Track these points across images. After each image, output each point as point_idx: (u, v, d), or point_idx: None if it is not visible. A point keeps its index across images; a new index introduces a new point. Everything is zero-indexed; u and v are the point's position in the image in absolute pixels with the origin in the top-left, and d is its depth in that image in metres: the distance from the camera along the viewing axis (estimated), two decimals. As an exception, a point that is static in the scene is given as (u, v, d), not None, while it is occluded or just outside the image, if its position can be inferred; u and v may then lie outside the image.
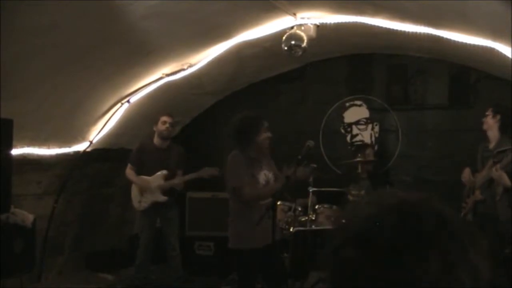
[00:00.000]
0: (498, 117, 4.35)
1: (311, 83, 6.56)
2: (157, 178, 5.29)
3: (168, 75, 5.48)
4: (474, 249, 0.76)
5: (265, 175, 4.01)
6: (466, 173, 4.61)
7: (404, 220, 0.77)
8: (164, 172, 5.29)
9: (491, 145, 4.38)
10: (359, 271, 0.76)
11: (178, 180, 5.32)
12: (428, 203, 0.80)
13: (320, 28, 4.67)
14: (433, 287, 0.72)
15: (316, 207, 4.96)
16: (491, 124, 4.40)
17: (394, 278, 0.73)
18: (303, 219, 5.08)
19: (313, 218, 4.99)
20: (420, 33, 4.46)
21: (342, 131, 6.39)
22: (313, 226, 4.43)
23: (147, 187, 5.28)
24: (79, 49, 4.28)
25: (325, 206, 5.10)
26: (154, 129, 5.37)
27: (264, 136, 4.02)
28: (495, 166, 4.06)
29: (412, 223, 0.76)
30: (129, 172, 5.38)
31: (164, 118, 5.31)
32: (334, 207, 5.02)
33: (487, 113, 4.45)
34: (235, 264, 5.70)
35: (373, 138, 6.24)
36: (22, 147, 4.84)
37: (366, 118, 6.28)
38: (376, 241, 0.76)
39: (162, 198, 5.27)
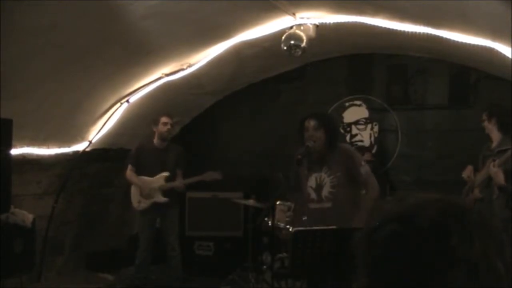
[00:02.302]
0: (494, 119, 4.37)
1: (311, 83, 6.55)
2: (158, 179, 5.30)
3: (167, 75, 5.48)
4: (506, 247, 0.78)
5: (319, 178, 3.87)
6: (468, 171, 4.61)
7: (448, 207, 0.79)
8: (165, 173, 5.29)
9: (493, 145, 4.39)
10: (399, 245, 0.76)
11: (180, 183, 5.32)
12: (467, 203, 0.83)
13: (320, 28, 4.67)
14: (473, 268, 0.73)
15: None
16: (490, 128, 4.41)
17: (437, 251, 0.73)
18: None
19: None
20: (420, 33, 4.46)
21: (342, 131, 6.38)
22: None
23: (148, 188, 5.28)
24: (79, 49, 4.28)
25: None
26: (154, 129, 5.36)
27: (306, 136, 3.88)
28: (493, 163, 4.07)
29: (456, 211, 0.78)
30: (130, 173, 5.38)
31: (164, 120, 5.29)
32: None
33: (483, 118, 4.46)
34: (235, 264, 5.75)
35: (373, 138, 6.24)
36: (22, 147, 4.84)
37: (365, 118, 6.28)
38: (420, 219, 0.76)
39: (162, 199, 5.27)
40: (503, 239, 0.78)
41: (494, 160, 4.12)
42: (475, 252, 0.74)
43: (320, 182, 3.89)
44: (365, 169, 3.84)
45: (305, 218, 4.07)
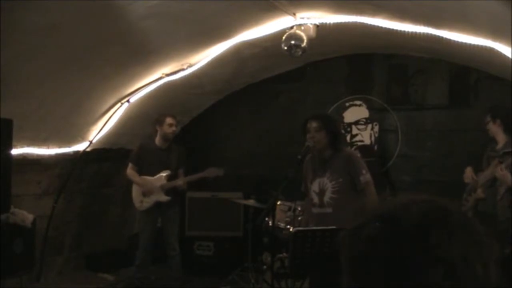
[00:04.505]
0: (499, 121, 4.34)
1: (311, 83, 6.56)
2: (160, 178, 5.30)
3: (168, 75, 5.48)
4: (487, 250, 0.79)
5: (322, 183, 3.88)
6: (468, 173, 4.60)
7: (431, 208, 0.80)
8: (167, 172, 5.29)
9: (499, 146, 4.37)
10: (381, 243, 0.77)
11: (181, 181, 5.32)
12: (454, 205, 0.84)
13: (320, 28, 4.67)
14: (451, 268, 0.74)
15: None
16: (495, 130, 4.38)
17: (417, 250, 0.75)
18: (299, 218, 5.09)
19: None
20: (420, 33, 4.46)
21: (342, 131, 6.38)
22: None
23: (150, 187, 5.28)
24: (79, 49, 4.28)
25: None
26: (158, 129, 5.35)
27: (308, 137, 3.87)
28: (500, 166, 4.04)
29: (439, 212, 0.80)
30: (131, 172, 5.38)
31: (170, 121, 5.29)
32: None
33: (487, 120, 4.43)
34: (235, 264, 5.76)
35: (373, 138, 6.23)
36: (22, 147, 4.84)
37: (365, 118, 6.27)
38: (402, 219, 0.78)
39: (165, 198, 5.27)
40: (485, 242, 0.79)
41: (500, 162, 4.09)
42: (454, 253, 0.75)
43: (322, 187, 3.89)
44: (365, 178, 3.83)
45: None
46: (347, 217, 3.66)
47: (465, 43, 4.30)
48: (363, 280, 0.79)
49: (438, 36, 4.42)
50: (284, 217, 5.15)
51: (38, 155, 5.09)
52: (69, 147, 5.46)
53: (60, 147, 5.34)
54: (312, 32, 4.61)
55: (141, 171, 5.35)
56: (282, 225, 5.05)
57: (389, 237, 0.77)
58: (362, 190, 3.83)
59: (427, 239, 0.75)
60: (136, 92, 5.56)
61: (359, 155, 4.97)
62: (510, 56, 4.11)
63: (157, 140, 5.38)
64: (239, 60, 5.65)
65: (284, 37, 4.51)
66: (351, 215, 3.68)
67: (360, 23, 4.57)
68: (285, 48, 4.52)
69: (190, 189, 5.88)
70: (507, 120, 4.32)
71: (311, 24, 4.62)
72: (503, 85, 5.24)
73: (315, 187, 3.93)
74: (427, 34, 4.43)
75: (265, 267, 5.24)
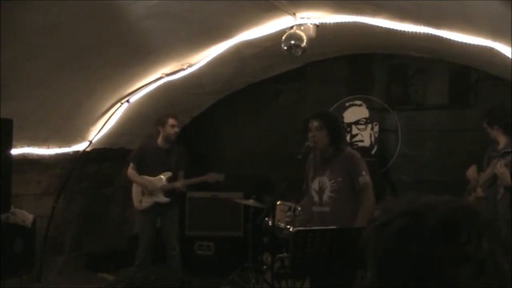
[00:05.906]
0: (496, 125, 4.37)
1: (311, 83, 6.55)
2: (160, 179, 5.30)
3: (168, 75, 5.48)
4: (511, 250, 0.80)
5: (321, 182, 3.89)
6: (472, 170, 4.61)
7: (459, 207, 0.82)
8: (168, 174, 5.29)
9: (500, 147, 4.39)
10: (410, 239, 0.78)
11: (181, 183, 5.32)
12: (478, 205, 0.86)
13: (320, 28, 4.67)
14: (481, 266, 0.75)
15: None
16: (494, 134, 4.42)
17: (447, 248, 0.76)
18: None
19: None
20: (420, 33, 4.46)
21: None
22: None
23: (150, 188, 5.28)
24: (79, 49, 4.28)
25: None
26: (160, 130, 5.34)
27: (309, 136, 3.88)
28: (499, 163, 4.06)
29: (466, 211, 0.81)
30: (131, 172, 5.38)
31: (172, 122, 5.29)
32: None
33: (484, 126, 4.46)
34: (235, 264, 5.76)
35: (373, 138, 6.23)
36: (22, 147, 4.84)
37: (365, 118, 6.27)
38: (431, 216, 0.79)
39: (164, 199, 5.27)
40: (509, 241, 0.81)
41: (500, 161, 4.11)
42: (483, 251, 0.76)
43: (322, 186, 3.90)
44: (364, 179, 3.83)
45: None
46: (345, 216, 3.67)
47: (465, 43, 4.31)
48: (390, 276, 0.79)
49: (438, 36, 4.42)
50: (284, 217, 5.14)
51: (38, 155, 5.09)
52: (69, 147, 5.46)
53: (60, 147, 5.34)
54: (312, 32, 4.61)
55: (141, 171, 5.35)
56: (282, 225, 5.03)
57: (418, 234, 0.78)
58: (360, 191, 3.83)
59: (457, 237, 0.76)
60: (136, 92, 5.56)
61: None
62: (510, 56, 4.12)
63: (159, 140, 5.38)
64: (239, 60, 5.65)
65: (284, 37, 4.51)
66: (349, 215, 3.68)
67: (360, 23, 4.57)
68: (285, 48, 4.51)
69: (190, 189, 5.88)
70: (505, 122, 4.34)
71: (311, 24, 4.62)
72: (503, 85, 5.25)
73: (315, 185, 3.94)
74: (427, 34, 4.43)
75: (265, 267, 5.23)
